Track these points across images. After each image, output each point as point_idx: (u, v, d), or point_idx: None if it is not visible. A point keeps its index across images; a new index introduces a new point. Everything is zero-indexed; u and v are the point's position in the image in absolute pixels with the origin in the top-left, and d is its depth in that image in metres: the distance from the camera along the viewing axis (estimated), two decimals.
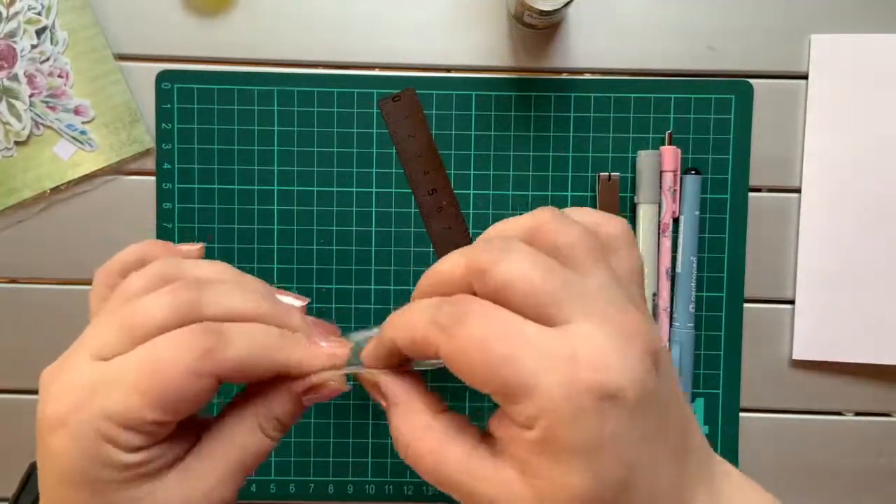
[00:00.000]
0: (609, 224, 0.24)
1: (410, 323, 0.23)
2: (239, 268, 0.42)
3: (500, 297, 0.21)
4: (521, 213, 0.42)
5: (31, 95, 0.41)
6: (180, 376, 0.23)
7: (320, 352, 0.26)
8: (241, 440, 0.25)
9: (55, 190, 0.42)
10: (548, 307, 0.21)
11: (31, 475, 0.35)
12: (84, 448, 0.23)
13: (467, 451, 0.23)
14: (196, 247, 0.29)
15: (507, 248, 0.22)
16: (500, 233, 0.24)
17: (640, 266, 0.24)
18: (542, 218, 0.23)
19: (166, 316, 0.24)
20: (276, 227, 0.42)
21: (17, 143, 0.41)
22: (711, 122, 0.42)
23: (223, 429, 0.25)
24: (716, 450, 0.43)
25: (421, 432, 0.23)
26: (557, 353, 0.20)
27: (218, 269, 0.27)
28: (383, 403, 0.25)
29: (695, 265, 0.41)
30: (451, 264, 0.23)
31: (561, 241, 0.23)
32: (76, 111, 0.41)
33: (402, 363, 0.25)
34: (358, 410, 0.42)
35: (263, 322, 0.25)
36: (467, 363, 0.21)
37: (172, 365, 0.23)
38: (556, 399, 0.20)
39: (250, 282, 0.27)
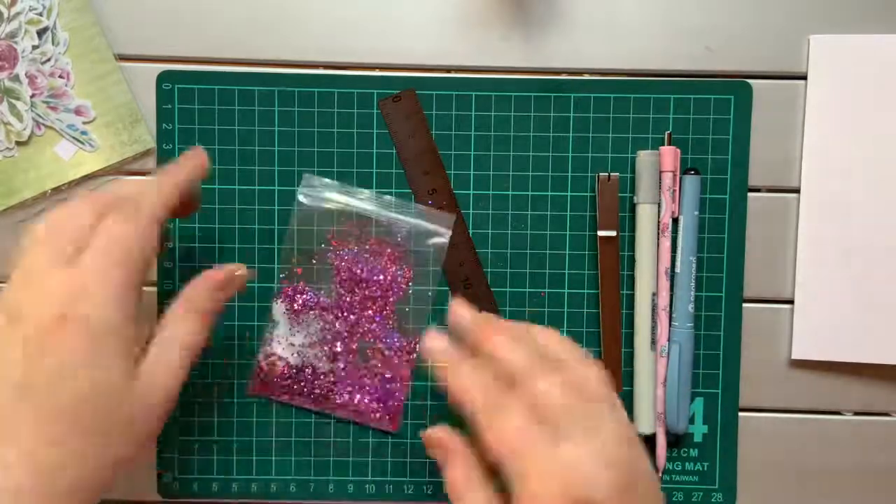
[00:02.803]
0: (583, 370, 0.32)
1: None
2: None
3: None
4: (520, 213, 0.42)
5: (32, 96, 0.41)
6: (132, 236, 0.32)
7: (192, 156, 0.37)
8: (183, 337, 0.34)
9: (56, 190, 0.42)
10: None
11: None
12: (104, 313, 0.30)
13: None
14: None
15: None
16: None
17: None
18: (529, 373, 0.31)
19: (87, 211, 0.32)
20: (276, 227, 0.42)
21: (18, 143, 0.41)
22: (710, 123, 0.42)
23: (167, 334, 0.34)
24: (715, 449, 0.43)
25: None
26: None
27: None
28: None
29: (694, 265, 0.41)
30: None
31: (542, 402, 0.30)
32: (77, 111, 0.41)
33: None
34: None
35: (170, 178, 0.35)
36: None
37: (122, 232, 0.32)
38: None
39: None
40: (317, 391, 0.42)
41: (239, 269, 0.36)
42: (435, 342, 0.34)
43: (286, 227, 0.42)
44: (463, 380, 0.32)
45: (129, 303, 0.31)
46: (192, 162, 0.36)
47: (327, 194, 0.41)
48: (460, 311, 0.35)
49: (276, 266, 0.42)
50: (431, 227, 0.41)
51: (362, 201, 0.41)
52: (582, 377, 0.31)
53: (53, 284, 0.30)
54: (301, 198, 0.41)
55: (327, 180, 0.41)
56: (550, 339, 0.33)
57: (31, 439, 0.28)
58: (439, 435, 0.33)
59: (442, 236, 0.41)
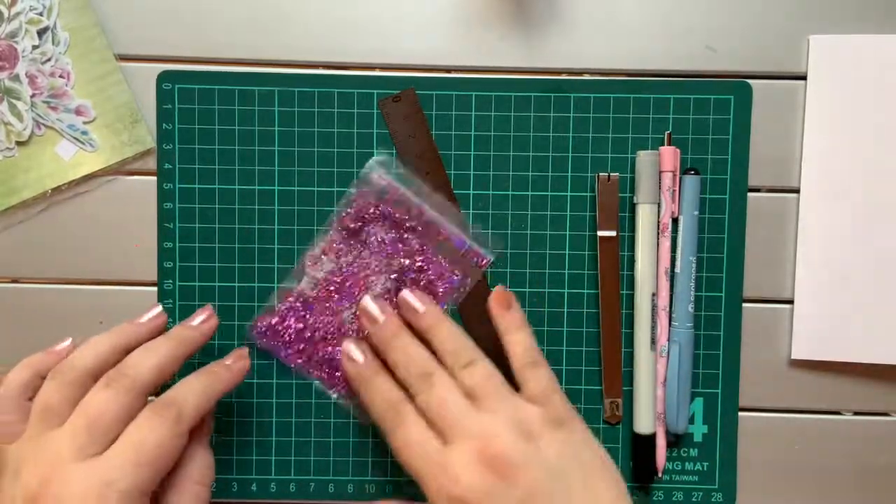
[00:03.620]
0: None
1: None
2: (240, 268, 0.42)
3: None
4: (520, 213, 0.42)
5: (32, 96, 0.41)
6: (168, 443, 0.32)
7: (237, 366, 0.38)
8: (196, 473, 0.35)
9: (56, 190, 0.42)
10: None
11: None
12: None
13: None
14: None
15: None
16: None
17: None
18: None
19: (119, 402, 0.32)
20: (276, 227, 0.42)
21: (18, 143, 0.41)
22: (710, 123, 0.42)
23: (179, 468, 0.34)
24: (715, 449, 0.43)
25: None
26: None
27: (96, 345, 0.35)
28: None
29: (694, 265, 0.41)
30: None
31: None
32: (77, 111, 0.41)
33: None
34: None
35: (176, 352, 0.35)
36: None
37: (158, 439, 0.32)
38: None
39: (130, 335, 0.36)
40: (320, 354, 0.42)
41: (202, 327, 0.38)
42: (352, 354, 0.38)
43: (287, 228, 0.42)
44: (370, 394, 0.37)
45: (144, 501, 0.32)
46: (238, 368, 0.38)
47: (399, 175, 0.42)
48: (370, 308, 0.38)
49: (276, 266, 0.42)
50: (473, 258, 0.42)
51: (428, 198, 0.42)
52: (479, 377, 0.35)
53: (77, 477, 0.30)
54: (373, 174, 0.42)
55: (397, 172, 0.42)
56: (447, 337, 0.37)
57: None
58: None
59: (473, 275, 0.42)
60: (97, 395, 0.32)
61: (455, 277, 0.41)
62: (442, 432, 0.34)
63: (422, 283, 0.41)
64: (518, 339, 0.37)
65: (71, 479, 0.30)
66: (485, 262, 0.41)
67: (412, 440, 0.34)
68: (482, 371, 0.36)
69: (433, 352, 0.37)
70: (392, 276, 0.41)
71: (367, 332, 0.38)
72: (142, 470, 0.31)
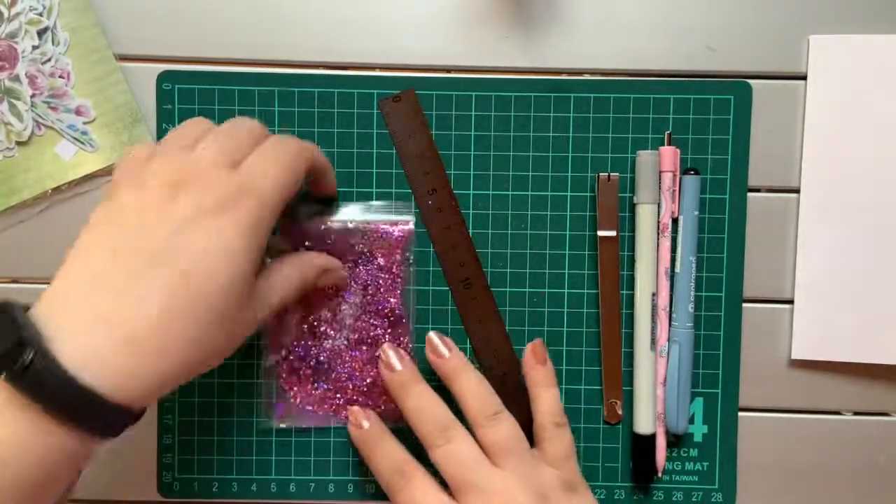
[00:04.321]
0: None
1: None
2: None
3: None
4: (520, 213, 0.42)
5: (32, 96, 0.41)
6: (307, 162, 0.35)
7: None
8: (289, 273, 0.36)
9: (56, 190, 0.42)
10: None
11: None
12: (265, 216, 0.32)
13: None
14: None
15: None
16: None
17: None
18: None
19: (251, 133, 0.34)
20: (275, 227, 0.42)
21: (18, 143, 0.41)
22: (710, 123, 0.42)
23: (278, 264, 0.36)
24: (714, 449, 0.43)
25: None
26: None
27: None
28: None
29: (694, 265, 0.41)
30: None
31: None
32: (77, 112, 0.41)
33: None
34: None
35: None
36: None
37: (304, 153, 0.35)
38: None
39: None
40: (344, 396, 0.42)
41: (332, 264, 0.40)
42: (358, 420, 0.39)
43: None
44: (375, 458, 0.37)
45: (277, 214, 0.33)
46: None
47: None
48: (390, 356, 0.38)
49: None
50: (391, 217, 0.42)
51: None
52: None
53: (222, 179, 0.31)
54: None
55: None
56: (472, 388, 0.37)
57: (153, 310, 0.29)
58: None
59: (406, 223, 0.42)
60: (228, 130, 0.34)
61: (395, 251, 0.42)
62: (456, 488, 0.34)
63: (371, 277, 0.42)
64: (547, 395, 0.38)
65: (212, 180, 0.31)
66: (401, 229, 0.42)
67: (418, 499, 0.35)
68: (507, 428, 0.36)
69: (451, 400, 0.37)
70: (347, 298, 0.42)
71: (384, 379, 0.38)
72: (282, 172, 0.33)
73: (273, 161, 0.33)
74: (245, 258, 0.31)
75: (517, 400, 0.40)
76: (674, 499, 0.43)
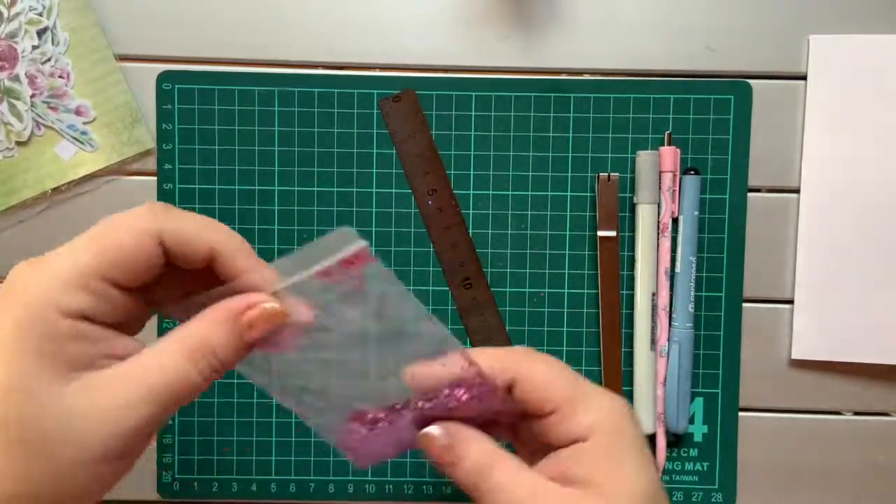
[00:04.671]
0: None
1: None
2: None
3: None
4: (520, 213, 0.42)
5: (32, 96, 0.41)
6: (127, 233, 0.24)
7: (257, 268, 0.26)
8: (166, 363, 0.24)
9: (56, 190, 0.42)
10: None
11: None
12: (34, 314, 0.23)
13: (536, 478, 0.26)
14: None
15: None
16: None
17: None
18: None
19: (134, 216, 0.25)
20: (276, 227, 0.42)
21: (18, 143, 0.41)
22: (710, 123, 0.42)
23: (154, 350, 0.24)
24: (714, 449, 0.43)
25: (492, 456, 0.27)
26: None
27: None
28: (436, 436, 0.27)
29: (694, 265, 0.41)
30: None
31: None
32: (77, 112, 0.41)
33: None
34: None
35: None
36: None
37: (120, 224, 0.25)
38: (607, 408, 0.27)
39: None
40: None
41: (268, 302, 0.26)
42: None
43: (287, 228, 0.42)
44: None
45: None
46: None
47: None
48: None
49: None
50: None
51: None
52: None
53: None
54: None
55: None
56: None
57: None
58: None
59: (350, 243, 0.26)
60: None
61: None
62: None
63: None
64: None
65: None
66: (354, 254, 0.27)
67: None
68: None
69: None
70: None
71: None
72: (86, 254, 0.24)
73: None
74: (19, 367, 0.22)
75: None
76: (674, 499, 0.43)
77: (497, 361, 0.28)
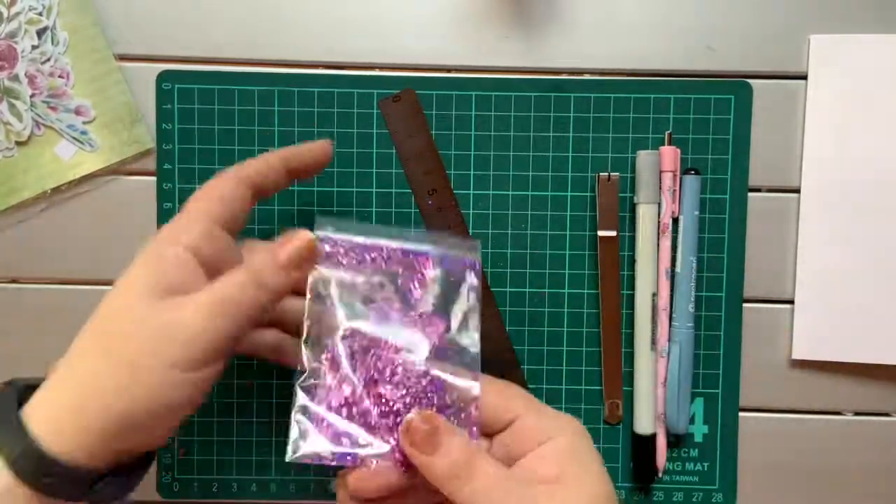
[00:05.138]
0: None
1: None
2: None
3: None
4: (520, 213, 0.42)
5: (31, 96, 0.41)
6: (226, 181, 0.33)
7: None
8: (230, 282, 0.29)
9: (56, 190, 0.42)
10: None
11: None
12: (156, 248, 0.30)
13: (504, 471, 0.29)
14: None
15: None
16: None
17: None
18: None
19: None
20: (276, 227, 0.42)
21: (17, 143, 0.41)
22: (711, 123, 0.42)
23: (224, 277, 0.30)
24: (715, 450, 0.43)
25: (471, 453, 0.29)
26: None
27: None
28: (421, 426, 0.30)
29: (694, 265, 0.41)
30: None
31: None
32: (77, 111, 0.41)
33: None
34: None
35: None
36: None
37: (221, 176, 0.33)
38: (565, 419, 0.31)
39: None
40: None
41: (308, 237, 0.31)
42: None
43: (286, 227, 0.42)
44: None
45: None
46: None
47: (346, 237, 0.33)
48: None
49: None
50: (458, 267, 0.34)
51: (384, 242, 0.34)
52: None
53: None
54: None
55: (343, 223, 0.33)
56: None
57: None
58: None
59: (472, 276, 0.34)
60: None
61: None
62: None
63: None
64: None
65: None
66: (470, 263, 0.34)
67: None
68: None
69: None
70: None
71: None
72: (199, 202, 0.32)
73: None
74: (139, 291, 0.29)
75: None
76: (674, 499, 0.43)
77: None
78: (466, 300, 0.33)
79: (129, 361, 0.28)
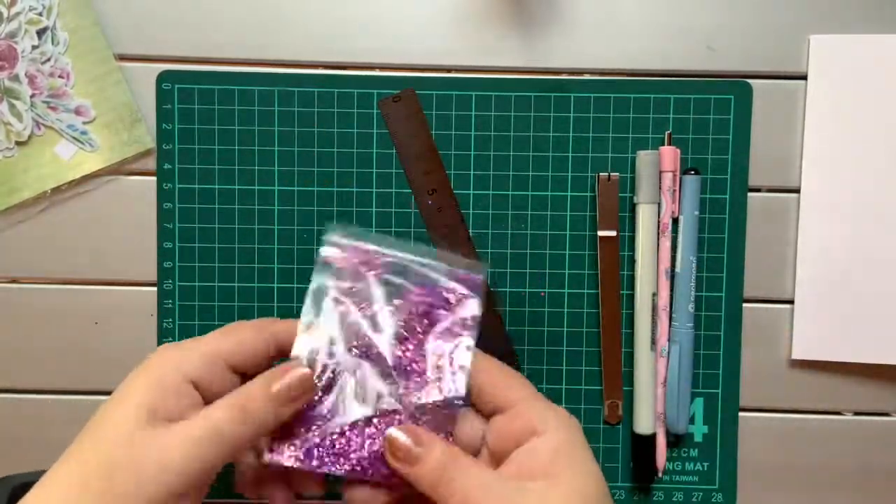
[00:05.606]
0: None
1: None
2: (240, 268, 0.42)
3: None
4: (520, 213, 0.42)
5: (32, 96, 0.41)
6: (249, 329, 0.32)
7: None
8: (214, 414, 0.29)
9: (56, 190, 0.42)
10: None
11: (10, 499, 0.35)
12: (159, 375, 0.29)
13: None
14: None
15: None
16: None
17: None
18: None
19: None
20: (276, 227, 0.42)
21: (17, 143, 0.41)
22: (711, 123, 0.42)
23: (212, 405, 0.29)
24: (715, 450, 0.43)
25: (452, 455, 0.29)
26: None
27: None
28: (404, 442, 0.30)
29: (694, 265, 0.41)
30: None
31: None
32: (77, 111, 0.41)
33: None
34: None
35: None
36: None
37: (245, 324, 0.33)
38: (563, 414, 0.30)
39: None
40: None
41: (302, 370, 0.31)
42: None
43: (287, 228, 0.42)
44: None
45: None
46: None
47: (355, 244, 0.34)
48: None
49: (275, 266, 0.42)
50: (458, 291, 0.33)
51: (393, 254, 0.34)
52: None
53: None
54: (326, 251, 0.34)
55: (354, 229, 0.34)
56: None
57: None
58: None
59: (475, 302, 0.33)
60: None
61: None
62: None
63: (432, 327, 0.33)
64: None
65: None
66: (479, 281, 0.34)
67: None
68: None
69: None
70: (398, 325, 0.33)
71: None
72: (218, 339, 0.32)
73: None
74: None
75: None
76: (674, 499, 0.43)
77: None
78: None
79: (112, 492, 0.27)
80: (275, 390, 0.30)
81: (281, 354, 0.32)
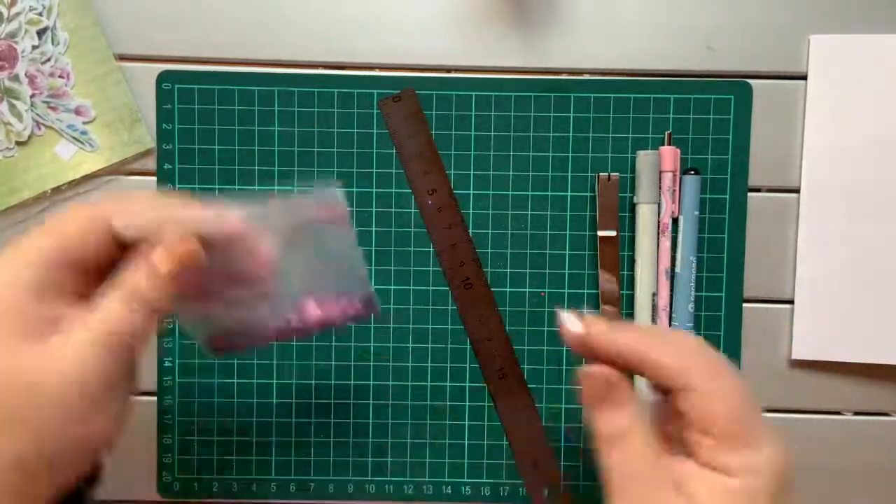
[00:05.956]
0: None
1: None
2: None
3: None
4: (520, 213, 0.42)
5: (32, 96, 0.41)
6: (73, 222, 0.27)
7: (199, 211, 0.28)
8: (103, 309, 0.26)
9: (56, 190, 0.42)
10: None
11: None
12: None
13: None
14: None
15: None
16: None
17: None
18: None
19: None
20: None
21: (18, 143, 0.41)
22: (711, 123, 0.42)
23: (95, 305, 0.26)
24: None
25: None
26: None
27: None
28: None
29: (694, 265, 0.41)
30: None
31: None
32: (77, 111, 0.41)
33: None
34: (358, 409, 0.42)
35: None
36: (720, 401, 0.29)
37: (69, 214, 0.27)
38: (779, 462, 0.29)
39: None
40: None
41: (189, 243, 0.27)
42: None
43: None
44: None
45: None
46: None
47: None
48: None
49: None
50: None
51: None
52: None
53: None
54: None
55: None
56: None
57: None
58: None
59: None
60: None
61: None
62: None
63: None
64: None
65: None
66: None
67: None
68: None
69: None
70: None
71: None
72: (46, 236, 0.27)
73: None
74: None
75: (515, 399, 0.40)
76: None
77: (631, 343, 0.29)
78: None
79: (15, 418, 0.24)
80: (164, 269, 0.26)
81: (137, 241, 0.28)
